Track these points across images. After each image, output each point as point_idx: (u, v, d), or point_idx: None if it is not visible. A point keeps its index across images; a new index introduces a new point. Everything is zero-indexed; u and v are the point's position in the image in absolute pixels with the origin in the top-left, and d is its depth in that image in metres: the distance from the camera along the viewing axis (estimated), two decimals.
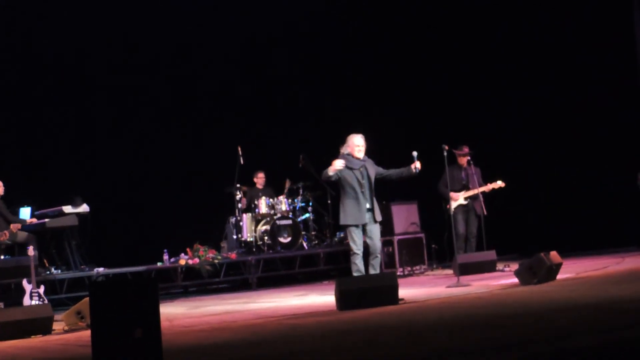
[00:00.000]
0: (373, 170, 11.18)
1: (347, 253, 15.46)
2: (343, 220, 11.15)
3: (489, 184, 14.00)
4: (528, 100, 16.53)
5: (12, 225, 12.89)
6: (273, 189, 15.91)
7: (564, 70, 16.32)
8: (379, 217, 11.09)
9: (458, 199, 13.98)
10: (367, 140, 11.18)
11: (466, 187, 14.15)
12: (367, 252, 11.03)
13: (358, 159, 11.10)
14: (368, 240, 11.02)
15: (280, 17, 16.85)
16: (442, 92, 16.89)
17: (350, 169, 11.02)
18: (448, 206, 13.76)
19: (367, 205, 10.99)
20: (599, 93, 15.92)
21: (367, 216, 10.99)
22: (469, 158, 14.08)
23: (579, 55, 16.11)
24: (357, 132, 11.22)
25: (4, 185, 13.29)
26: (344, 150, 11.17)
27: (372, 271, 10.85)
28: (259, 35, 17.05)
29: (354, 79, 17.25)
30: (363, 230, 11.01)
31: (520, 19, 16.56)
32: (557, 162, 16.31)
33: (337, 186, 11.50)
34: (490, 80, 16.59)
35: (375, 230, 11.05)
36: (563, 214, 15.99)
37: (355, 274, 10.83)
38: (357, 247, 10.94)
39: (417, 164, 11.01)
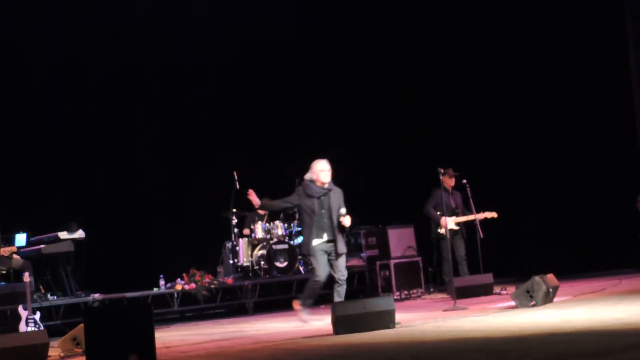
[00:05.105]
0: (337, 201, 10.87)
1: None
2: (303, 250, 11.20)
3: (481, 213, 13.87)
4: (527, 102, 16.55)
5: (1, 249, 12.61)
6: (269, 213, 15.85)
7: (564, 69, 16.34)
8: (342, 249, 10.84)
9: (447, 224, 13.65)
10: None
11: (455, 213, 14.02)
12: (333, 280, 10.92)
13: (322, 184, 10.87)
14: (331, 271, 10.86)
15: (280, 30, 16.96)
16: (443, 92, 16.93)
17: (310, 196, 10.84)
18: (440, 230, 13.61)
19: (326, 237, 10.82)
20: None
21: (329, 247, 10.85)
22: (465, 181, 13.93)
23: (578, 55, 16.16)
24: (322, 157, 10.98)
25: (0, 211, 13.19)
26: (308, 176, 10.97)
27: (337, 298, 10.75)
28: (255, 50, 17.06)
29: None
30: (328, 260, 10.84)
31: (521, 20, 16.64)
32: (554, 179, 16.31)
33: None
34: (491, 83, 16.64)
35: (338, 262, 10.84)
36: (560, 236, 15.96)
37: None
38: (317, 274, 10.84)
39: (346, 220, 10.77)
